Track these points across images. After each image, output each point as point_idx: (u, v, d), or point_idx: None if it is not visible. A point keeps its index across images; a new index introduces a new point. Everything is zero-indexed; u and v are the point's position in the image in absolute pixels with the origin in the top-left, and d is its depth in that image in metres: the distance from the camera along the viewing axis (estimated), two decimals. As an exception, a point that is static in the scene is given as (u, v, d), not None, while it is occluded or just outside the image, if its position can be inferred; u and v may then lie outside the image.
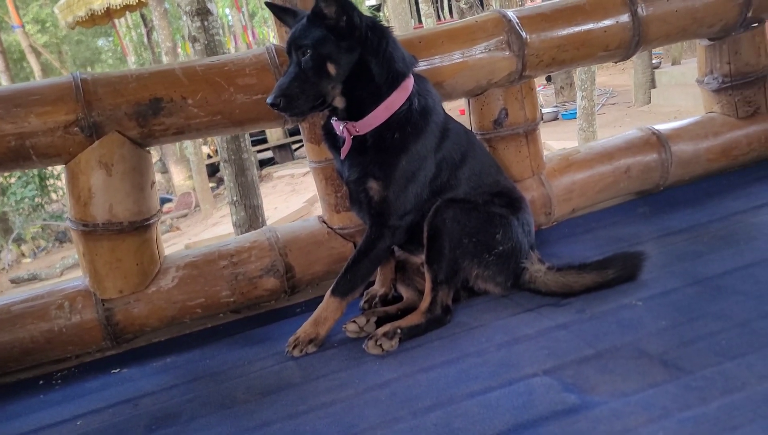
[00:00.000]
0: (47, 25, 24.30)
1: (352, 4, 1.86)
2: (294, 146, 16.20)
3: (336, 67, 1.87)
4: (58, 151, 2.03)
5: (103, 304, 2.15)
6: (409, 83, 1.96)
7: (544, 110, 13.37)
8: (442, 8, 21.81)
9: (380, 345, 1.86)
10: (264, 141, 15.82)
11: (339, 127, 1.99)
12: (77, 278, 2.26)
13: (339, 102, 1.93)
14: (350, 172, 2.00)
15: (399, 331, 1.89)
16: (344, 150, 1.98)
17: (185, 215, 13.66)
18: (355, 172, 1.98)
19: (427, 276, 1.97)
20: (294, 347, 1.93)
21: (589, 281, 1.95)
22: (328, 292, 1.98)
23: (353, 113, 1.93)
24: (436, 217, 1.97)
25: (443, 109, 2.11)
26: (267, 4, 2.13)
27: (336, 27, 1.85)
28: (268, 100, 1.82)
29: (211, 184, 13.45)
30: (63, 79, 2.06)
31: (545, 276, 2.01)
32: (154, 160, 16.58)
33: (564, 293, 1.97)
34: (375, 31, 1.91)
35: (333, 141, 2.07)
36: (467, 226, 1.96)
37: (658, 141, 2.72)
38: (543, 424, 1.34)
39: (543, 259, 2.10)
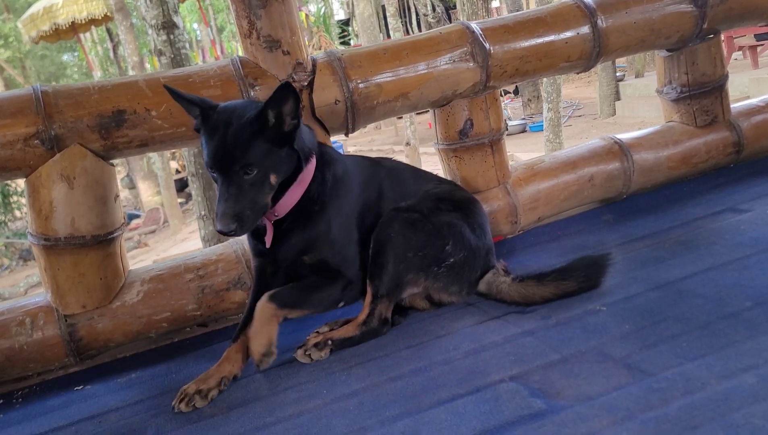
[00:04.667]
0: (10, 39, 23.90)
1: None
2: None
3: (277, 177, 1.79)
4: (18, 164, 1.99)
5: (66, 320, 2.10)
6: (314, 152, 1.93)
7: (512, 123, 13.54)
8: (411, 23, 22.01)
9: (309, 355, 1.87)
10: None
11: None
12: (39, 294, 2.22)
13: (271, 201, 1.84)
14: (280, 255, 1.93)
15: (330, 341, 1.90)
16: (268, 238, 1.89)
17: (153, 231, 13.48)
18: (286, 253, 1.92)
19: (369, 289, 1.96)
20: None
21: (548, 293, 1.94)
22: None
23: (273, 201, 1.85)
24: (381, 232, 1.96)
25: (342, 156, 2.08)
26: (167, 87, 1.84)
27: (278, 133, 1.76)
28: (219, 228, 1.70)
29: (180, 200, 13.31)
30: (23, 92, 2.03)
31: (509, 287, 2.01)
32: (121, 175, 16.42)
33: (527, 303, 1.98)
34: (297, 122, 1.81)
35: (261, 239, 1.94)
36: (413, 240, 1.95)
37: (620, 150, 2.77)
38: (509, 429, 1.35)
39: (509, 269, 2.11)
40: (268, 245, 1.89)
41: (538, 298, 1.96)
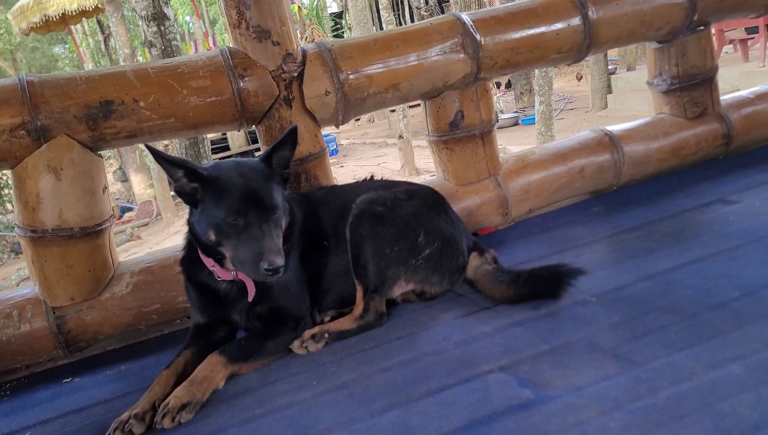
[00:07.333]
0: (1, 31, 23.68)
1: None
2: (257, 153, 15.99)
3: (284, 222, 1.83)
4: (4, 155, 1.97)
5: (54, 312, 2.09)
6: None
7: (504, 116, 13.54)
8: (404, 15, 21.93)
9: (306, 346, 1.87)
10: (226, 148, 15.63)
11: (228, 273, 1.84)
12: (26, 286, 2.20)
13: None
14: (234, 308, 1.90)
15: (327, 334, 1.90)
16: (251, 292, 1.84)
17: (146, 224, 13.41)
18: (241, 304, 1.89)
19: (358, 287, 1.97)
20: (164, 417, 1.60)
21: (510, 298, 1.94)
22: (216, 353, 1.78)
23: None
24: (354, 234, 1.97)
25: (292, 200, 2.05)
26: (149, 147, 1.77)
27: (281, 178, 1.84)
28: (270, 265, 1.63)
29: (172, 192, 13.24)
30: (8, 82, 2.00)
31: (485, 286, 2.01)
32: (113, 168, 16.30)
33: (497, 302, 1.97)
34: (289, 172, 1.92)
35: (212, 294, 1.90)
36: (386, 236, 1.96)
37: (610, 142, 2.78)
38: (498, 419, 1.35)
39: (493, 260, 2.09)
40: (250, 299, 1.84)
41: (505, 301, 1.95)
